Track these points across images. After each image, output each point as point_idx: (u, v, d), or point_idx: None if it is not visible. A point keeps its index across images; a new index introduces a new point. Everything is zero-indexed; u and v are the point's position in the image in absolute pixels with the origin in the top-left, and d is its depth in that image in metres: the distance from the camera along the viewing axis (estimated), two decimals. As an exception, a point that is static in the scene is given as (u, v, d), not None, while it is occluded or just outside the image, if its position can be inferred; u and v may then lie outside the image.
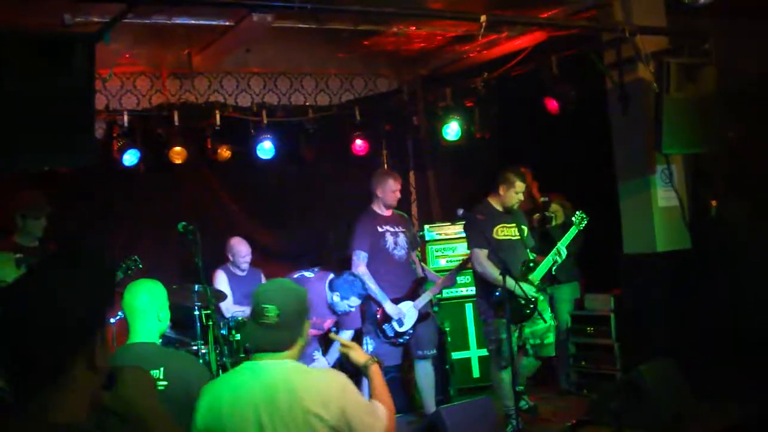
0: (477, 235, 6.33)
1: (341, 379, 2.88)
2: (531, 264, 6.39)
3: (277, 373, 2.83)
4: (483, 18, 5.74)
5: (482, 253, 6.30)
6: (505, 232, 6.45)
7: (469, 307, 7.89)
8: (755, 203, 6.83)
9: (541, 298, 6.44)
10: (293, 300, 2.97)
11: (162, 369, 3.36)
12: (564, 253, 6.40)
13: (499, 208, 6.48)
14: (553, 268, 6.44)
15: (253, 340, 2.97)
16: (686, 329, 6.58)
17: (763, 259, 6.63)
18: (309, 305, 3.02)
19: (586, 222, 6.49)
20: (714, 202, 7.19)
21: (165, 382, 3.30)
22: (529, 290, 6.16)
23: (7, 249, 5.59)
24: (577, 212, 6.53)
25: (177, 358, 3.61)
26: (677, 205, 6.82)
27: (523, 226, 6.54)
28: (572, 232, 6.48)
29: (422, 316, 6.63)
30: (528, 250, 6.51)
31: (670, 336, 6.59)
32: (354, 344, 3.28)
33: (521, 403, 6.54)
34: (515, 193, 6.38)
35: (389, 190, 6.68)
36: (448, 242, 8.17)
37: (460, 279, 7.57)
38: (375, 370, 3.13)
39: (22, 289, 1.54)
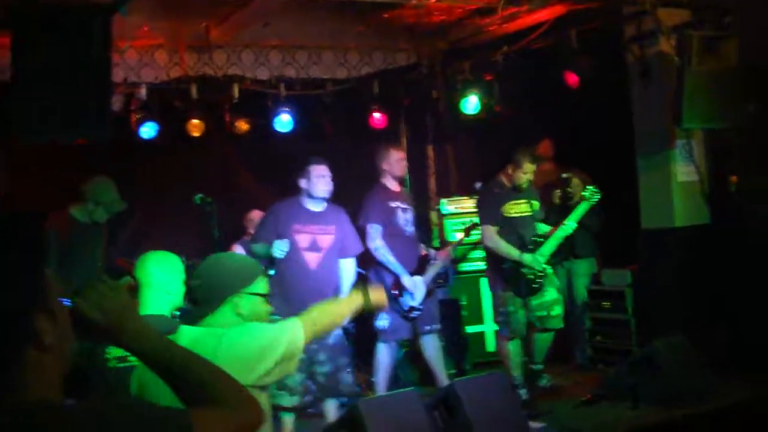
0: (487, 212, 6.52)
1: (261, 341, 2.73)
2: (539, 239, 6.46)
3: (194, 333, 2.74)
4: (503, -10, 5.70)
5: (493, 230, 6.45)
6: (516, 209, 6.57)
7: (484, 282, 7.88)
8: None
9: (549, 271, 6.52)
10: (208, 274, 2.88)
11: (170, 342, 3.38)
12: (572, 227, 6.42)
13: (509, 185, 6.58)
14: (560, 243, 6.48)
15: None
16: (703, 305, 6.55)
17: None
18: (237, 279, 2.85)
19: (598, 197, 6.46)
20: (734, 178, 7.12)
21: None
22: (538, 263, 6.29)
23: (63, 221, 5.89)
24: (589, 186, 6.53)
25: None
26: (697, 180, 6.78)
27: (533, 201, 6.61)
28: (583, 206, 6.48)
29: (427, 292, 6.66)
30: (540, 224, 6.60)
31: (687, 311, 6.56)
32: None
33: (542, 381, 6.57)
34: (523, 173, 6.46)
35: (394, 160, 6.72)
36: (465, 216, 8.15)
37: (474, 254, 7.65)
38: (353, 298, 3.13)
39: None
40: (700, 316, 6.51)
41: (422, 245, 7.03)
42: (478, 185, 8.10)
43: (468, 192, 8.35)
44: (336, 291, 6.08)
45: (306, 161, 6.08)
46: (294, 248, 5.97)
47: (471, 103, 8.27)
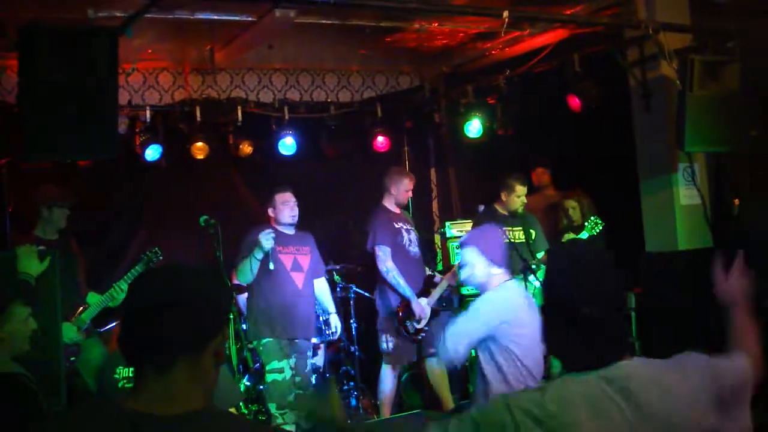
0: None
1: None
2: (533, 266, 6.40)
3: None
4: (505, 14, 5.73)
5: None
6: (511, 234, 6.64)
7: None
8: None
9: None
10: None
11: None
12: None
13: (504, 212, 6.70)
14: None
15: None
16: (707, 328, 6.52)
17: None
18: None
19: (600, 228, 6.46)
20: (737, 201, 7.12)
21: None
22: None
23: (28, 242, 5.63)
24: (592, 217, 6.53)
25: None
26: (699, 203, 6.77)
27: (531, 230, 6.61)
28: (581, 237, 6.52)
29: (432, 314, 6.64)
30: (543, 252, 6.55)
31: (691, 335, 6.53)
32: None
33: None
34: (516, 197, 6.61)
35: (403, 189, 6.78)
36: (468, 239, 8.14)
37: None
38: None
39: None
40: (705, 339, 6.48)
41: (426, 267, 7.03)
42: (480, 208, 8.11)
43: (470, 215, 8.36)
44: (313, 309, 6.36)
45: (271, 189, 6.32)
46: (282, 269, 6.12)
47: (474, 127, 8.30)
